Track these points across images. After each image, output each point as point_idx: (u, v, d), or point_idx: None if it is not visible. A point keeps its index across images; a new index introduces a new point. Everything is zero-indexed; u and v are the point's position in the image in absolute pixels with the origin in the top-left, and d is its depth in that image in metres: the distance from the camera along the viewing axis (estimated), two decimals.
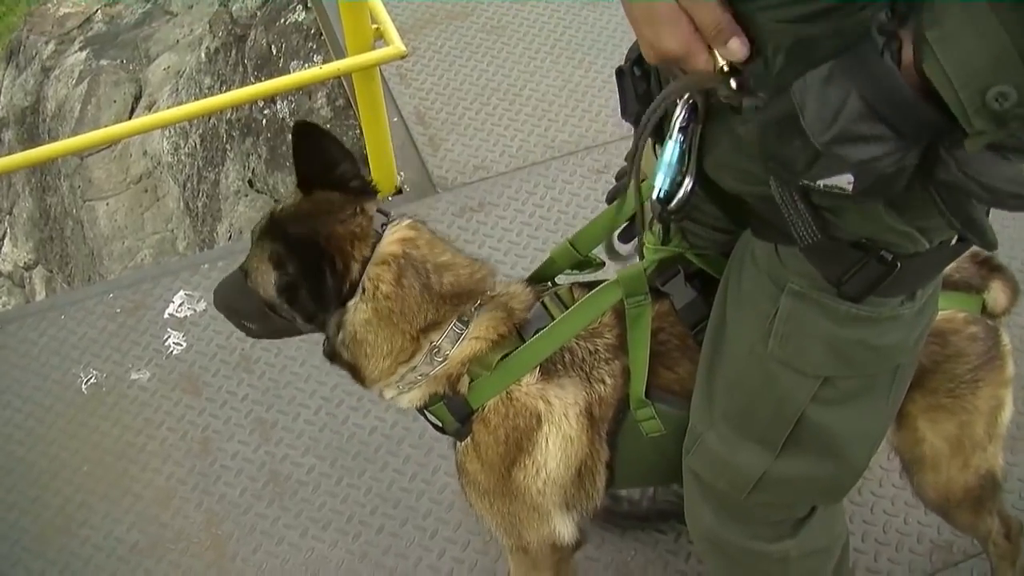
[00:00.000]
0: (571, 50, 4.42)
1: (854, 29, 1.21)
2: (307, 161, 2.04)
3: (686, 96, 1.56)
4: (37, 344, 3.64)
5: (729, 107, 1.41)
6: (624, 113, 1.76)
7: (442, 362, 2.03)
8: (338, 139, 2.10)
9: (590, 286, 2.09)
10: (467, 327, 2.04)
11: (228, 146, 6.09)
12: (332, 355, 2.08)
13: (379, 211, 2.04)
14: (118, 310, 3.70)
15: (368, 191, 2.08)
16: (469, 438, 2.12)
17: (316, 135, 2.04)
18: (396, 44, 3.39)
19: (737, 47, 1.30)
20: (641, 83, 1.70)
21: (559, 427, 2.07)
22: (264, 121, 5.66)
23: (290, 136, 5.32)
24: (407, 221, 2.05)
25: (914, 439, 2.21)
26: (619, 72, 1.74)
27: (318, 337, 2.17)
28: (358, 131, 5.02)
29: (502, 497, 2.17)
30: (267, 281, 2.01)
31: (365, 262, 1.96)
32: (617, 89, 1.76)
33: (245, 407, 3.38)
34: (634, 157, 1.90)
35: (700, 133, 1.58)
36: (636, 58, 1.70)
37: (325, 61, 5.29)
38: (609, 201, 2.09)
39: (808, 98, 1.24)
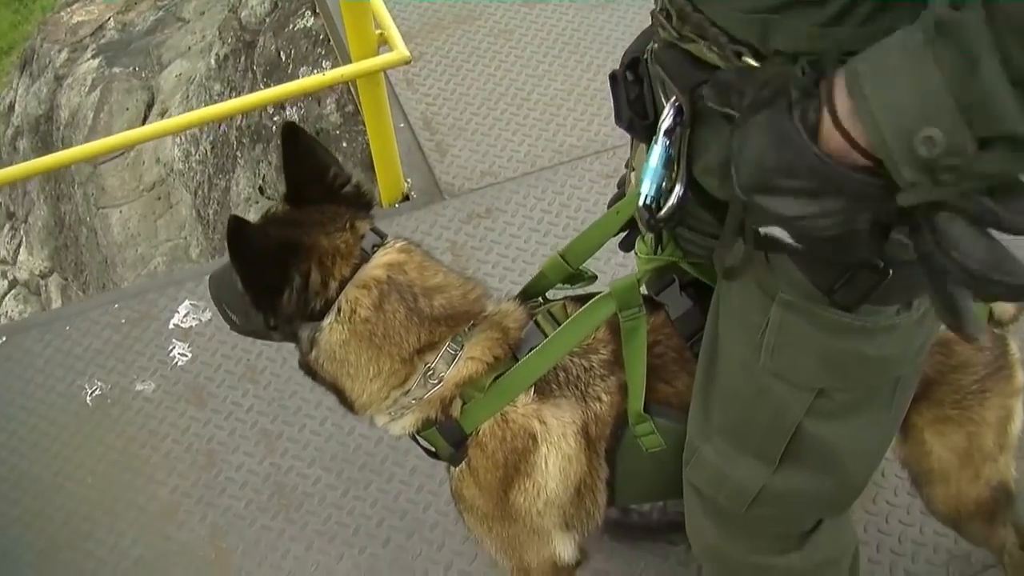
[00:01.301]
0: (579, 53, 4.38)
1: (776, 80, 1.21)
2: (297, 166, 2.00)
3: (673, 99, 1.53)
4: (42, 355, 3.61)
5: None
6: (617, 119, 1.73)
7: (436, 384, 1.98)
8: (322, 143, 2.07)
9: (584, 301, 2.03)
10: (462, 348, 1.99)
11: (239, 153, 6.07)
12: (308, 371, 2.03)
13: (373, 230, 2.00)
14: (123, 321, 3.67)
15: (361, 201, 2.04)
16: (464, 463, 2.07)
17: (304, 138, 2.00)
18: (400, 49, 3.35)
19: None
20: (633, 88, 1.66)
21: (558, 447, 2.02)
22: (274, 128, 5.63)
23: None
24: (399, 243, 2.00)
25: (921, 452, 2.15)
26: (612, 77, 1.70)
27: None
28: (366, 137, 4.99)
29: (501, 521, 2.12)
30: None
31: (344, 281, 1.91)
32: (611, 95, 1.72)
33: (250, 418, 3.35)
34: (630, 159, 1.86)
35: (689, 138, 1.54)
36: (629, 62, 1.66)
37: (333, 67, 5.26)
38: (611, 207, 2.04)
39: (738, 143, 1.25)
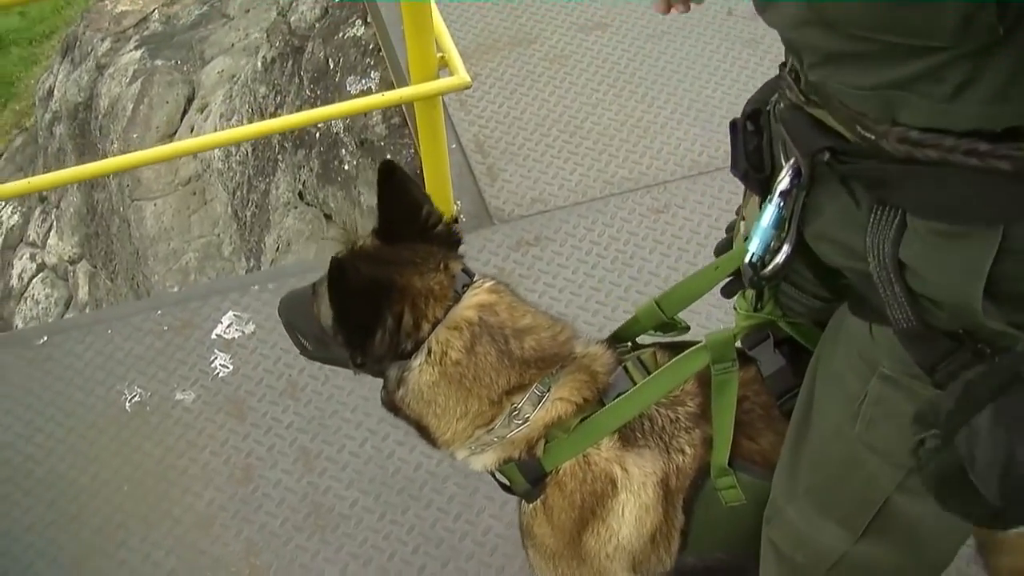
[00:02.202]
0: (634, 84, 4.35)
1: (1007, 369, 1.20)
2: (391, 202, 2.01)
3: (792, 160, 1.52)
4: (82, 358, 3.61)
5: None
6: (733, 167, 1.73)
7: (522, 425, 1.98)
8: (416, 181, 2.07)
9: (674, 349, 2.03)
10: (548, 390, 1.98)
11: (280, 157, 6.06)
12: (392, 408, 2.05)
13: (464, 270, 2.00)
14: (165, 327, 3.66)
15: (452, 239, 2.05)
16: (539, 500, 2.06)
17: (400, 176, 2.00)
18: (461, 74, 3.34)
19: None
20: (752, 139, 1.65)
21: (637, 497, 2.01)
22: (317, 135, 5.62)
23: (343, 151, 5.34)
24: (489, 283, 2.00)
25: None
26: (732, 125, 1.70)
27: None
28: (412, 151, 4.97)
29: (568, 561, 2.12)
30: (329, 311, 1.97)
31: (436, 323, 1.91)
32: (730, 143, 1.72)
33: (290, 435, 3.34)
34: (742, 209, 1.85)
35: (804, 200, 1.53)
36: (750, 113, 1.65)
37: (382, 78, 5.25)
38: (716, 255, 2.03)
39: (977, 450, 1.22)
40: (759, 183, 1.65)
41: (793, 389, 1.90)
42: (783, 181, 1.54)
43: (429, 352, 1.91)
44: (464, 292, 1.95)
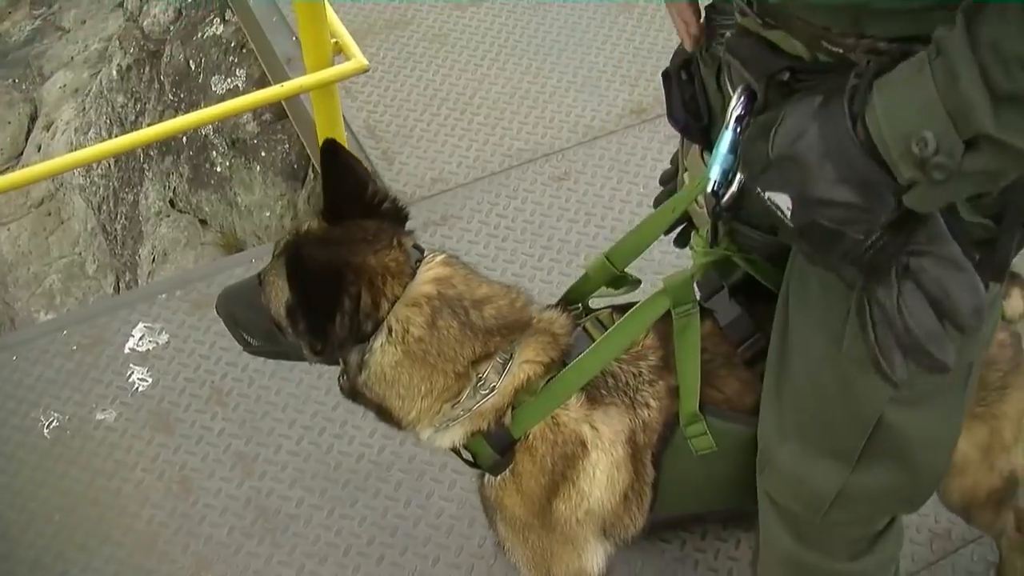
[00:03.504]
0: (517, 55, 4.35)
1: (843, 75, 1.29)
2: (337, 182, 1.97)
3: (744, 85, 1.54)
4: None
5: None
6: (671, 119, 1.74)
7: (489, 394, 1.95)
8: (359, 159, 2.04)
9: (628, 310, 2.03)
10: (512, 356, 1.97)
11: (146, 165, 5.89)
12: (352, 394, 2.01)
13: (415, 246, 1.98)
14: (74, 347, 3.52)
15: (401, 216, 2.02)
16: (508, 470, 2.04)
17: (343, 155, 1.97)
18: (358, 58, 3.30)
19: None
20: (688, 87, 1.67)
21: (608, 454, 2.01)
22: (184, 139, 5.48)
23: (214, 153, 5.21)
24: (441, 256, 1.98)
25: None
26: (665, 75, 1.70)
27: (291, 365, 2.05)
28: (287, 146, 4.89)
29: (539, 530, 2.11)
30: (280, 300, 1.93)
31: (395, 301, 1.88)
32: (664, 93, 1.72)
33: (222, 442, 3.25)
34: (680, 160, 1.86)
35: None
36: (681, 63, 1.66)
37: (248, 75, 5.14)
38: (656, 207, 2.03)
39: (789, 114, 1.31)
40: (700, 131, 1.67)
41: (752, 336, 1.94)
42: (737, 107, 1.56)
43: (390, 331, 1.88)
44: (418, 267, 1.93)
